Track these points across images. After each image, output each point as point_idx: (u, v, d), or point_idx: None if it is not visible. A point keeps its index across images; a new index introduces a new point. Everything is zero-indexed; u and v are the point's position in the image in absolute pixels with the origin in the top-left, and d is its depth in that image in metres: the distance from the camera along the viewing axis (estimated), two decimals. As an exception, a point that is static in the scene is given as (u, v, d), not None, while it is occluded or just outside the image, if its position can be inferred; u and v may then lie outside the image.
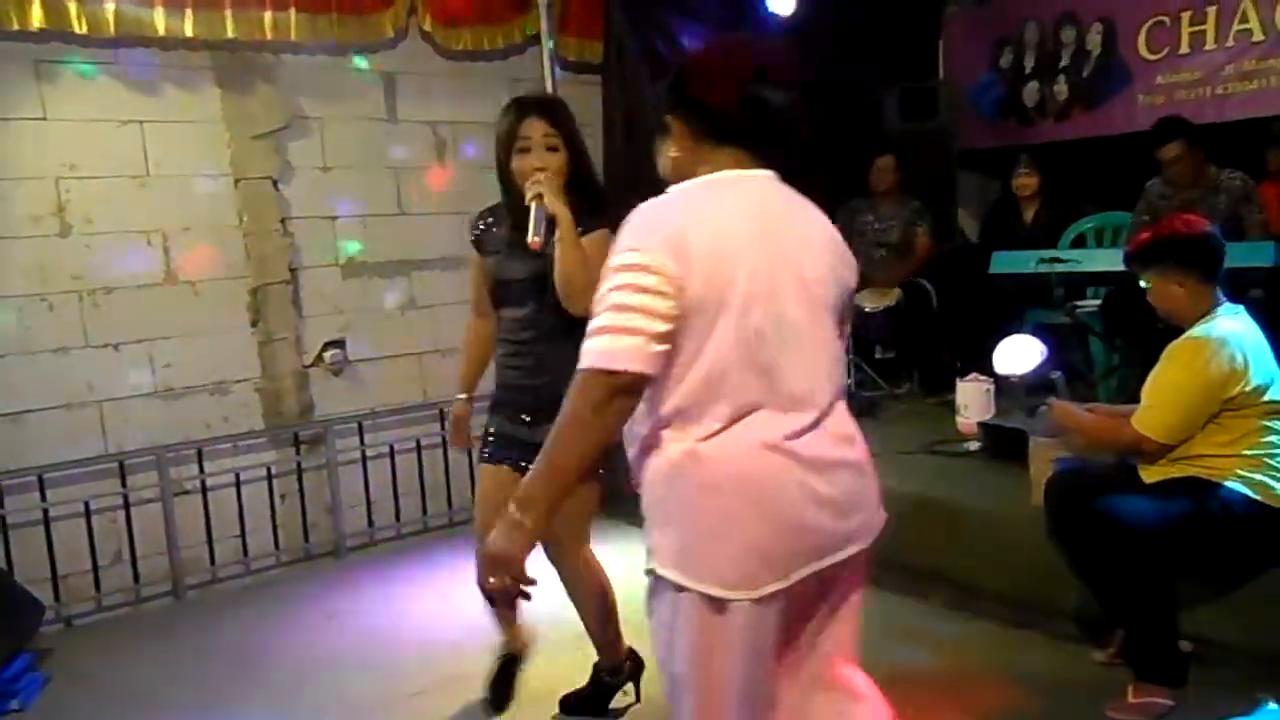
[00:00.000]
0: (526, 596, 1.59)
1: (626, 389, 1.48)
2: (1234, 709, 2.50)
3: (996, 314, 4.59)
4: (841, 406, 1.63)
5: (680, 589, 1.53)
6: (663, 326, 1.47)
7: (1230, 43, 4.86)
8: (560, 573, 2.57)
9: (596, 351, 1.47)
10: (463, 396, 2.77)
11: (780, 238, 1.57)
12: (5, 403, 3.59)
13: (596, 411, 1.48)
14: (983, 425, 3.99)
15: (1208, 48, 4.95)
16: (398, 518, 4.48)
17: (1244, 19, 4.79)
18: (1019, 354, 4.12)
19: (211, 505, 4.00)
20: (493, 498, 2.47)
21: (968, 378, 4.19)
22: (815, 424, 1.56)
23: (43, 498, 3.63)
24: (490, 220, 2.62)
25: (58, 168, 3.66)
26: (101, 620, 3.76)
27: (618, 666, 2.74)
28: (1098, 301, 4.36)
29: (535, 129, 2.41)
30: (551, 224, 2.30)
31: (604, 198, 2.52)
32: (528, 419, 2.49)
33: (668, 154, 1.65)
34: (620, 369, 1.46)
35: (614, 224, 1.71)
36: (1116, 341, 4.35)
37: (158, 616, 3.80)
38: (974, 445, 4.03)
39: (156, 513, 3.86)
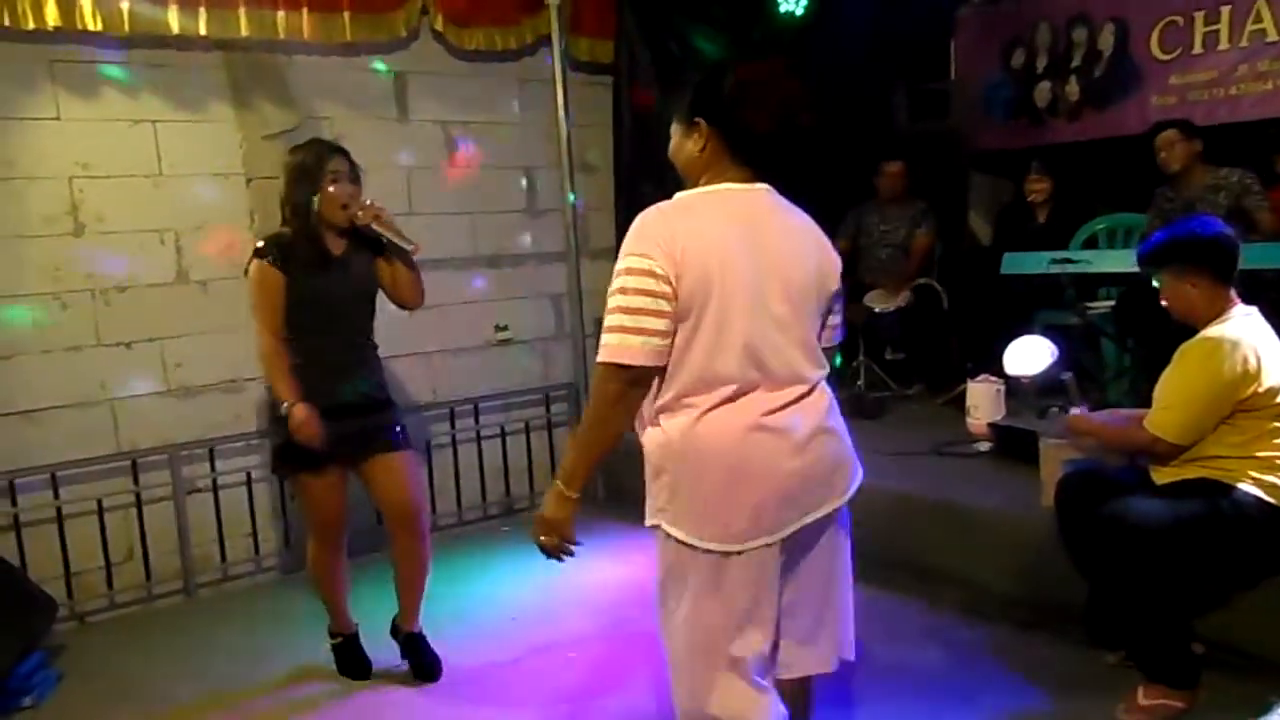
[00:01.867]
0: (571, 554, 1.87)
1: (637, 380, 1.75)
2: (1245, 712, 2.49)
3: (1007, 315, 4.58)
4: (822, 386, 1.87)
5: (682, 544, 1.78)
6: (665, 324, 1.71)
7: (1244, 43, 4.82)
8: (420, 544, 2.98)
9: (611, 348, 1.72)
10: (304, 405, 2.75)
11: (767, 246, 1.78)
12: (19, 401, 3.61)
13: (616, 401, 1.75)
14: (993, 426, 3.98)
15: (1221, 48, 4.91)
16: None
17: (1258, 19, 4.75)
18: (1030, 355, 4.12)
19: (223, 503, 4.01)
20: (337, 495, 2.92)
21: (978, 378, 4.18)
22: (796, 401, 1.80)
23: (55, 496, 3.65)
24: (283, 246, 2.80)
25: (71, 167, 3.68)
26: (114, 618, 3.78)
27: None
28: (1109, 302, 4.35)
29: (342, 164, 2.86)
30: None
31: None
32: (342, 414, 2.83)
33: (690, 149, 1.84)
34: (630, 364, 1.71)
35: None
36: (1129, 343, 4.33)
37: (169, 614, 3.81)
38: (984, 446, 4.02)
39: (168, 511, 3.88)
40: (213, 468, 3.98)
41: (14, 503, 3.58)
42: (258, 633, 3.53)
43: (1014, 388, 4.12)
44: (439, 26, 4.46)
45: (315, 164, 2.83)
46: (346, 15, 4.13)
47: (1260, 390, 2.49)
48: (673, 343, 1.73)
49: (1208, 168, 4.22)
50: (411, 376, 4.49)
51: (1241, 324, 2.56)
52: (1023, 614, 3.14)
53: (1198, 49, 5.00)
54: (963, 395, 4.29)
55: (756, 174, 1.83)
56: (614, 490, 4.84)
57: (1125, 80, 5.30)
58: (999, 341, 4.24)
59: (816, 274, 1.84)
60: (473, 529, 4.62)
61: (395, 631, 3.13)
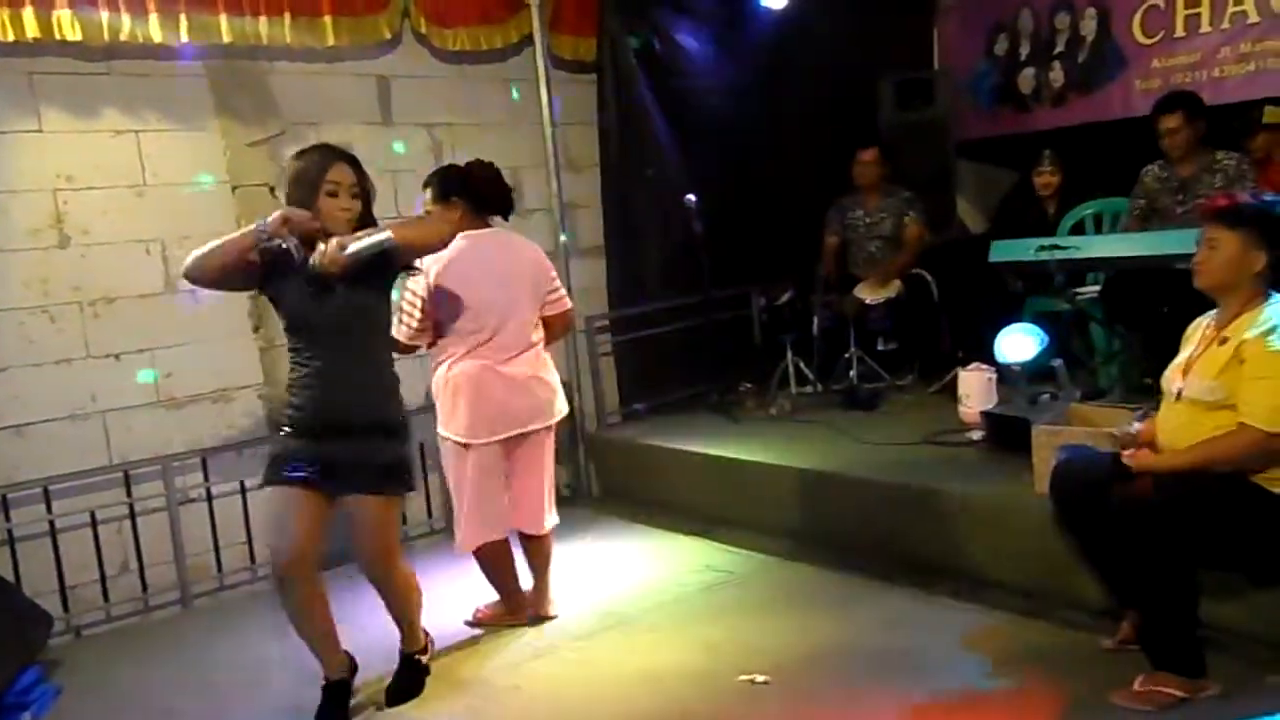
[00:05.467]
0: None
1: (404, 348, 3.17)
2: (1247, 698, 2.48)
3: (997, 303, 4.58)
4: (533, 350, 3.24)
5: (447, 439, 3.19)
6: (416, 321, 3.16)
7: (1226, 25, 4.85)
8: (388, 586, 2.87)
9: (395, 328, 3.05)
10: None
11: (497, 264, 3.20)
12: (10, 415, 3.60)
13: (402, 351, 3.14)
14: (985, 414, 3.99)
15: (1203, 30, 4.93)
16: (404, 521, 4.48)
17: (1239, 1, 4.79)
18: (1020, 342, 4.13)
19: (217, 513, 4.00)
20: (300, 515, 2.68)
21: (969, 367, 4.19)
22: (514, 357, 3.18)
23: (48, 509, 3.64)
24: (279, 250, 2.64)
25: (55, 179, 3.67)
26: (110, 630, 3.77)
27: (425, 646, 3.06)
28: (1097, 288, 4.36)
29: (345, 175, 2.67)
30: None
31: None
32: (317, 434, 2.71)
33: (452, 218, 3.10)
34: (397, 339, 3.08)
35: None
36: (1117, 328, 4.35)
37: (166, 625, 3.81)
38: (976, 435, 4.03)
39: (162, 522, 3.87)
40: (206, 478, 3.97)
41: (7, 517, 3.57)
42: (256, 642, 3.51)
43: (1005, 375, 4.14)
44: (421, 28, 4.45)
45: (314, 173, 2.66)
46: (328, 20, 4.12)
47: None
48: (426, 329, 3.17)
49: (1204, 149, 4.14)
50: (411, 379, 4.45)
51: None
52: (1017, 601, 3.15)
53: (1180, 32, 5.02)
54: (954, 384, 4.30)
55: (488, 222, 3.24)
56: (608, 489, 4.86)
57: (1109, 65, 5.33)
58: (989, 329, 4.25)
59: (530, 279, 3.25)
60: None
61: None
